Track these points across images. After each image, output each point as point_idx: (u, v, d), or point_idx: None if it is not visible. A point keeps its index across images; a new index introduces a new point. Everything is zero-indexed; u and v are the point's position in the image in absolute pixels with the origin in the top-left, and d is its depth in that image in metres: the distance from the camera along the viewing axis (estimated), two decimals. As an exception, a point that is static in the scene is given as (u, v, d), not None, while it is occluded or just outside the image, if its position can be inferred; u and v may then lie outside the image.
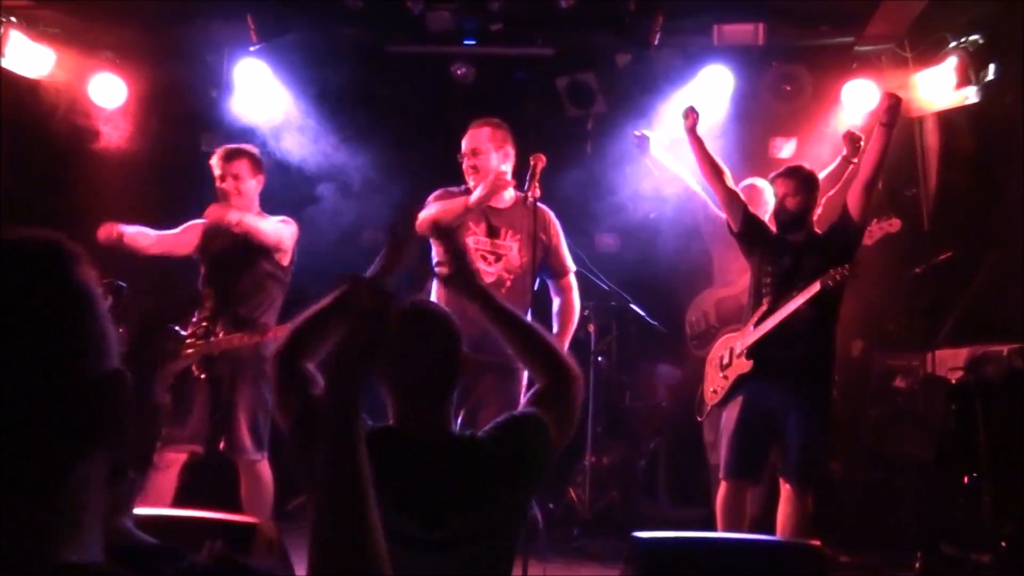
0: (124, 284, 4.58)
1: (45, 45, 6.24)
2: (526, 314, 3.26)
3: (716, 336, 5.68)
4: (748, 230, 4.74)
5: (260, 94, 6.56)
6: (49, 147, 6.56)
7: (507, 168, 4.64)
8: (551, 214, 4.76)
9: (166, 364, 4.60)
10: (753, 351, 4.63)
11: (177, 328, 4.70)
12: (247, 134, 6.53)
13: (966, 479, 5.14)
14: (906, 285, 6.04)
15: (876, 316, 6.27)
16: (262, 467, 4.77)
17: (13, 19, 6.11)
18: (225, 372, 4.69)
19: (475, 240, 4.60)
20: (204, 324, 4.67)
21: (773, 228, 4.78)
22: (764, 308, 4.64)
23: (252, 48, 6.18)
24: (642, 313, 5.99)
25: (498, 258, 4.59)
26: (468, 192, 4.57)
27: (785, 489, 4.57)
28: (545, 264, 4.73)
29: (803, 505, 4.52)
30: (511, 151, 4.68)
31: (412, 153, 6.79)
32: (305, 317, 2.33)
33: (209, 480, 4.87)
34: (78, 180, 6.53)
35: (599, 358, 6.28)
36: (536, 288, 4.67)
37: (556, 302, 4.81)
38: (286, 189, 6.67)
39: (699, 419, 5.31)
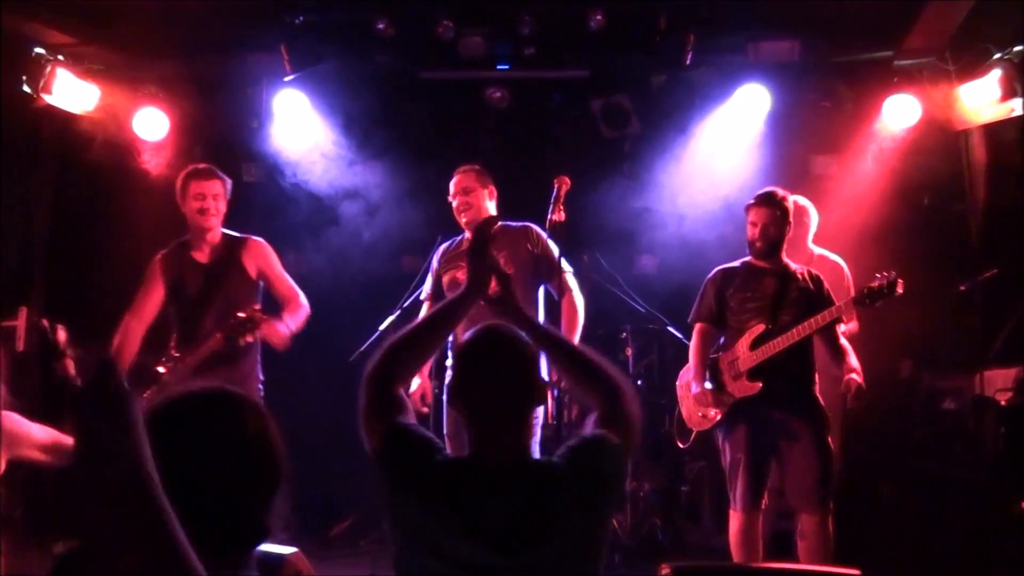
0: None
1: (90, 82, 6.39)
2: None
3: None
4: (716, 304, 4.73)
5: (299, 123, 6.65)
6: (95, 179, 6.71)
7: (491, 204, 4.98)
8: (534, 227, 4.91)
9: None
10: (754, 373, 4.54)
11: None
12: (287, 163, 6.63)
13: (1022, 504, 4.97)
14: (954, 303, 5.89)
15: (924, 335, 6.10)
16: None
17: (60, 57, 6.28)
18: None
19: (464, 272, 4.68)
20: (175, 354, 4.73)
21: (749, 255, 4.72)
22: (760, 329, 4.55)
23: (288, 79, 6.26)
24: (680, 336, 5.91)
25: None
26: (464, 239, 4.98)
27: (805, 518, 4.46)
28: (538, 272, 4.87)
29: (827, 530, 4.44)
30: (494, 190, 5.02)
31: (448, 178, 6.80)
32: (402, 335, 2.37)
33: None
34: (123, 211, 6.66)
35: (638, 381, 6.21)
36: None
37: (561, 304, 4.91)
38: (318, 215, 6.77)
39: (681, 446, 5.15)
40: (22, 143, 6.63)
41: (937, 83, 6.18)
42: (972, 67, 6.03)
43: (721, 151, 6.54)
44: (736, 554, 4.55)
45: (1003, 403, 5.20)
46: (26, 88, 6.19)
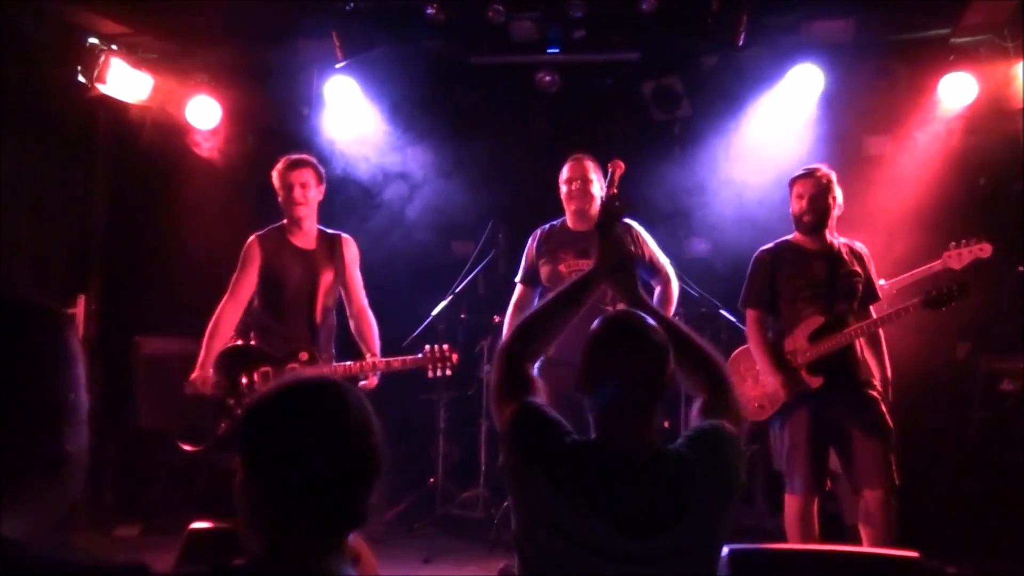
0: None
1: (143, 71, 6.47)
2: None
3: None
4: (769, 289, 4.69)
5: (349, 110, 6.68)
6: (150, 168, 6.80)
7: (600, 194, 4.93)
8: (635, 225, 4.96)
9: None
10: (813, 366, 4.52)
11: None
12: (337, 150, 6.66)
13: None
14: (1013, 285, 5.81)
15: (981, 317, 6.02)
16: None
17: (115, 47, 6.36)
18: None
19: (567, 266, 4.90)
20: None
21: (795, 231, 4.68)
22: (819, 321, 4.52)
23: (339, 65, 6.28)
24: (733, 319, 5.88)
25: None
26: (564, 223, 5.06)
27: (874, 498, 4.44)
28: (642, 272, 4.90)
29: (894, 511, 4.42)
30: (602, 179, 4.93)
31: (497, 162, 6.82)
32: (532, 314, 2.44)
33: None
34: (177, 199, 6.74)
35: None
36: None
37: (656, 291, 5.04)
38: (367, 200, 6.80)
39: None
40: (78, 133, 6.74)
41: (995, 61, 6.08)
42: (1032, 43, 5.93)
43: (773, 133, 6.47)
44: (793, 537, 4.54)
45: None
46: (81, 78, 6.28)
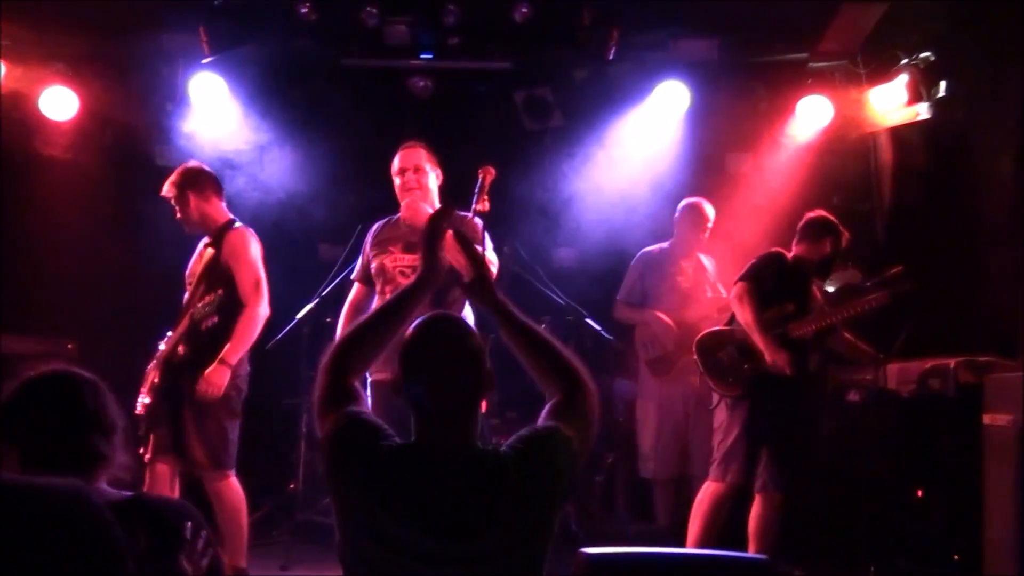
0: None
1: (-6, 57, 6.17)
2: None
3: (674, 363, 5.71)
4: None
5: (215, 107, 6.51)
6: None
7: (435, 187, 4.73)
8: (479, 223, 4.62)
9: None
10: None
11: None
12: (202, 148, 6.48)
13: (920, 493, 5.17)
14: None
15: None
16: (224, 485, 4.62)
17: (-39, 31, 6.04)
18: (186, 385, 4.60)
19: (393, 260, 4.66)
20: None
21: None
22: (790, 310, 4.78)
23: (205, 61, 6.12)
24: (598, 328, 5.98)
25: (415, 270, 4.56)
26: (399, 219, 4.72)
27: (777, 498, 4.67)
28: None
29: (781, 514, 4.67)
30: (441, 173, 4.77)
31: (368, 166, 6.75)
32: (355, 328, 2.38)
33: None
34: (29, 194, 6.44)
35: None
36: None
37: None
38: (238, 201, 6.63)
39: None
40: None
41: (849, 86, 6.39)
42: (882, 71, 6.25)
43: (641, 146, 6.63)
44: (700, 527, 4.77)
45: (905, 395, 5.37)
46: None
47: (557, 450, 2.22)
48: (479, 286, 2.46)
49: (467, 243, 2.59)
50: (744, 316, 4.78)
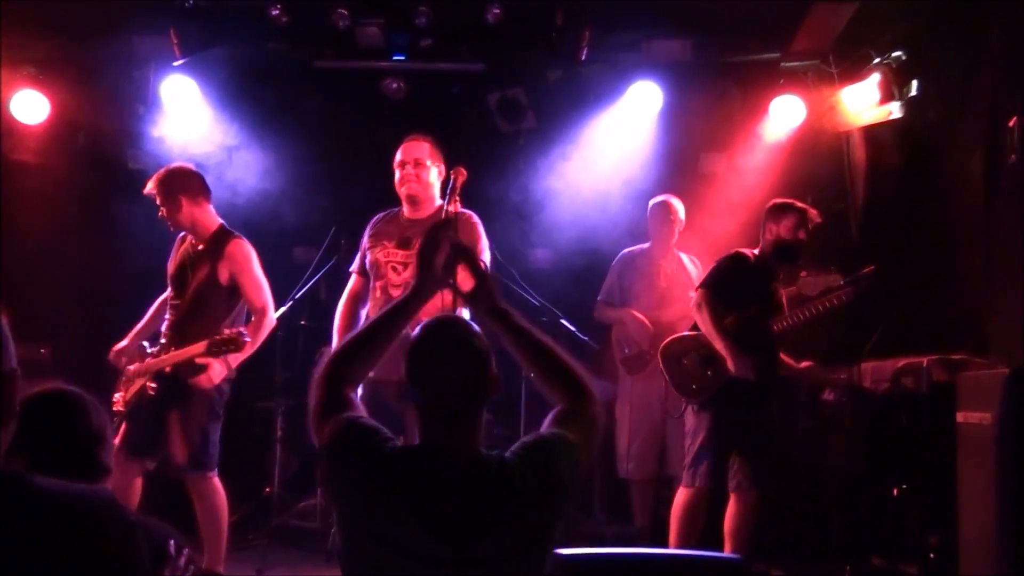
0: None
1: (-38, 60, 6.10)
2: None
3: (649, 362, 5.70)
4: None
5: (187, 110, 6.47)
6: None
7: (437, 183, 4.76)
8: (476, 221, 4.70)
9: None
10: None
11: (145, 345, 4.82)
12: (174, 151, 6.44)
13: (895, 491, 5.18)
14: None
15: (806, 328, 6.29)
16: (206, 486, 4.65)
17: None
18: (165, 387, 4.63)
19: (385, 253, 4.67)
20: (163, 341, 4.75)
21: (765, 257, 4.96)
22: (753, 312, 4.78)
23: (176, 63, 6.08)
24: (573, 329, 5.97)
25: (407, 266, 4.59)
26: (400, 212, 4.76)
27: (752, 496, 4.69)
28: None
29: (757, 513, 4.70)
30: (444, 170, 4.74)
31: (342, 168, 6.74)
32: (350, 339, 2.38)
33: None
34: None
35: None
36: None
37: None
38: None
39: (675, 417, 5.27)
40: None
41: (821, 86, 6.41)
42: (854, 71, 6.27)
43: (615, 147, 6.63)
44: (680, 530, 4.78)
45: (879, 394, 5.39)
46: None
47: (562, 457, 2.23)
48: (481, 295, 2.45)
49: (467, 254, 2.57)
50: (704, 324, 4.81)
